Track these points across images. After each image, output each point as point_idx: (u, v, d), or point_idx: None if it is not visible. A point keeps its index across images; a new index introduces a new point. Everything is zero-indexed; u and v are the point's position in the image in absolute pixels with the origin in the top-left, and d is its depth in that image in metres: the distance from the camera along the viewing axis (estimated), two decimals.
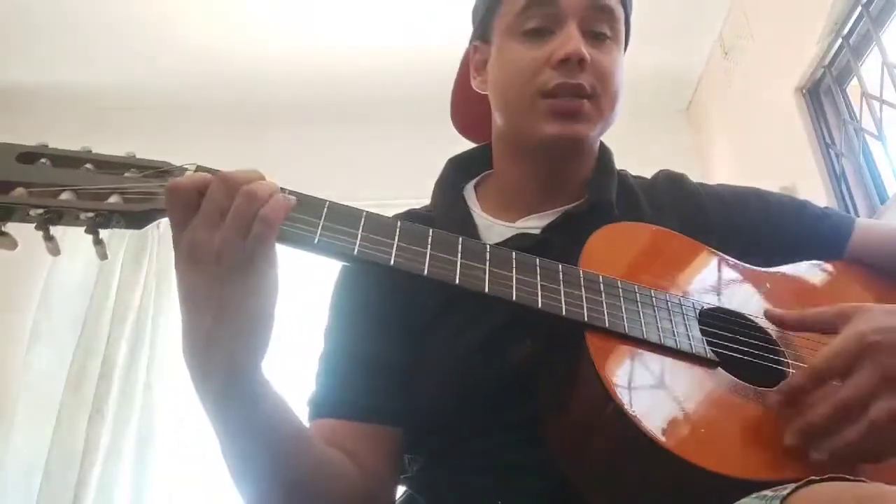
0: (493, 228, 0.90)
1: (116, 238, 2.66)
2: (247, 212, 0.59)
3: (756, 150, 2.67)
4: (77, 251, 2.60)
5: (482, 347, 0.78)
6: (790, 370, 0.74)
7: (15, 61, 2.82)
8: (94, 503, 2.35)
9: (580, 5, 0.85)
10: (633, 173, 1.00)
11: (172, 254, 2.37)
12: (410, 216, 0.94)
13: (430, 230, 0.69)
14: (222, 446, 0.66)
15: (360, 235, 0.65)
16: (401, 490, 0.86)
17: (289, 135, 3.01)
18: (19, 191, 0.60)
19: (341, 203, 0.67)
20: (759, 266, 0.87)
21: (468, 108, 1.01)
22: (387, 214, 0.94)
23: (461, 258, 0.68)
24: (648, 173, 1.02)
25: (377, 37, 2.80)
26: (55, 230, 0.61)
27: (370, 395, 0.81)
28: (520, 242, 0.86)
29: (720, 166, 2.94)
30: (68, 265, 2.65)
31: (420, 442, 0.83)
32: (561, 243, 0.84)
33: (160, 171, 0.64)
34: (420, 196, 0.99)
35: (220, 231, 0.59)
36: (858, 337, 0.66)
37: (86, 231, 0.61)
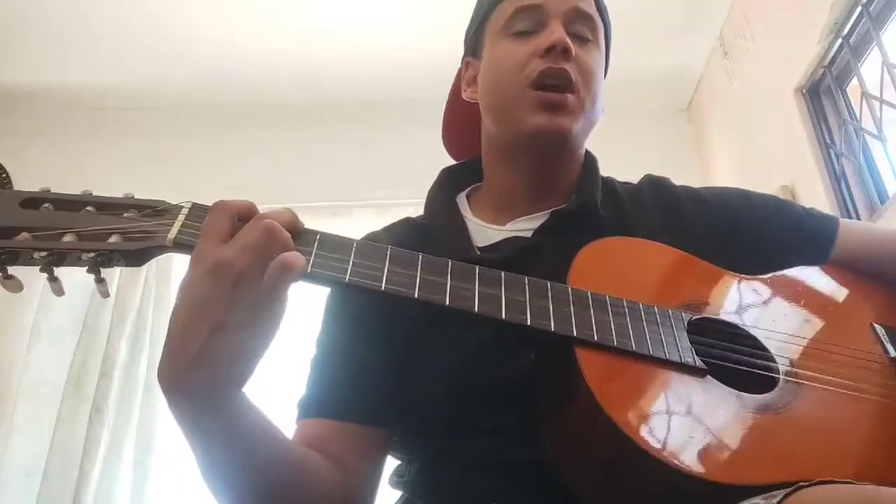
0: (485, 232, 0.92)
1: None
2: (271, 246, 0.60)
3: (756, 150, 2.67)
4: None
5: (479, 352, 0.79)
6: (781, 377, 0.75)
7: (15, 62, 2.82)
8: (94, 503, 2.35)
9: (564, 8, 0.91)
10: (632, 178, 1.02)
11: (172, 255, 2.35)
12: (407, 224, 0.97)
13: (420, 255, 0.70)
14: (198, 462, 0.66)
15: (351, 262, 0.66)
16: (397, 494, 0.86)
17: (288, 136, 3.01)
18: (24, 235, 0.62)
19: (332, 234, 0.68)
20: (744, 269, 0.87)
21: (460, 130, 1.05)
22: (389, 216, 0.97)
23: (451, 279, 0.69)
24: (647, 172, 1.03)
25: (378, 39, 2.81)
26: (58, 271, 0.64)
27: (354, 394, 0.81)
28: (511, 245, 0.88)
29: (720, 166, 2.94)
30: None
31: (417, 444, 0.83)
32: (552, 245, 0.86)
33: (157, 210, 0.66)
34: (417, 197, 1.00)
35: (244, 259, 0.59)
36: None
37: (88, 271, 0.64)
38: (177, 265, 2.72)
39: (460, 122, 1.04)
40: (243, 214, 0.62)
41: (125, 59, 2.85)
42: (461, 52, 1.05)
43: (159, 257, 2.63)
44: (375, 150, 3.00)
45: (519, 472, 0.76)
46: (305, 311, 0.91)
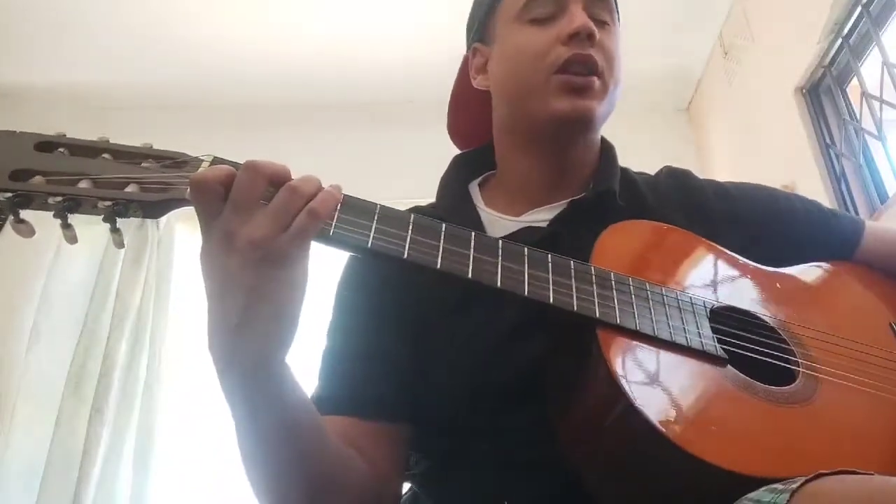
0: (499, 223, 0.90)
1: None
2: (291, 206, 0.59)
3: (756, 150, 2.67)
4: (77, 251, 2.60)
5: (494, 348, 0.78)
6: (801, 369, 0.74)
7: (17, 61, 2.82)
8: (94, 503, 2.35)
9: None
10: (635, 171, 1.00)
11: (172, 254, 2.36)
12: (416, 213, 0.95)
13: (443, 224, 0.69)
14: (242, 437, 0.66)
15: (374, 228, 0.65)
16: (405, 488, 0.85)
17: (290, 136, 3.00)
18: (38, 179, 0.60)
19: (355, 197, 0.67)
20: (766, 264, 0.86)
21: (467, 119, 1.03)
22: None
23: (474, 252, 0.68)
24: (649, 172, 1.02)
25: (383, 38, 2.81)
26: (72, 218, 0.62)
27: (375, 391, 0.80)
28: (527, 236, 0.86)
29: (720, 166, 2.94)
30: (68, 265, 2.65)
31: (428, 441, 0.82)
32: (569, 235, 0.85)
33: (177, 161, 0.64)
34: (422, 197, 0.99)
35: (257, 220, 0.59)
36: None
37: (104, 219, 0.61)
38: (177, 265, 2.72)
39: (468, 111, 1.01)
40: (276, 180, 0.61)
41: (128, 59, 2.84)
42: (461, 51, 1.02)
43: (158, 256, 2.60)
44: (375, 150, 3.00)
45: (528, 472, 0.75)
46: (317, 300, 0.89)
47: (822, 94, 2.33)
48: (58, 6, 2.58)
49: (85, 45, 2.76)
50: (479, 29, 0.97)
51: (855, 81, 2.19)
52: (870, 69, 2.11)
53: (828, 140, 2.27)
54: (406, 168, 2.84)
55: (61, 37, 2.71)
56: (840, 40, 2.14)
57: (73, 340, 2.57)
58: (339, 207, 0.65)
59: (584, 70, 0.85)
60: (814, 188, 2.24)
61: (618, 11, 0.96)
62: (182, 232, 2.76)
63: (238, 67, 2.90)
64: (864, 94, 2.13)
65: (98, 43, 2.75)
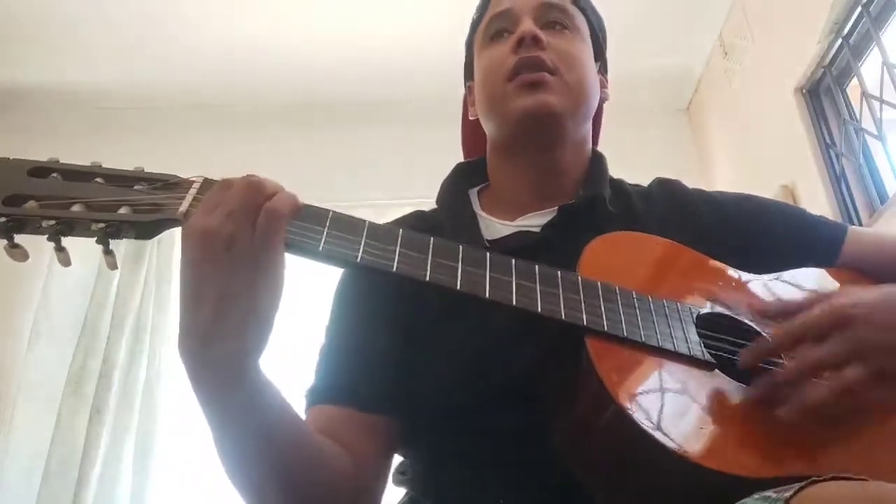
0: (495, 227, 0.93)
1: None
2: (254, 202, 0.60)
3: (756, 149, 2.67)
4: (77, 252, 2.60)
5: (487, 349, 0.79)
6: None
7: (16, 61, 2.81)
8: (94, 503, 2.35)
9: (531, 4, 0.94)
10: (632, 177, 1.02)
11: (172, 254, 2.37)
12: (418, 217, 0.98)
13: (431, 238, 0.70)
14: (216, 439, 0.67)
15: (363, 243, 0.66)
16: (402, 492, 0.86)
17: (289, 136, 3.01)
18: (31, 204, 0.61)
19: (344, 213, 0.68)
20: (752, 271, 0.88)
21: (478, 151, 1.06)
22: (389, 216, 0.97)
23: (462, 264, 0.68)
24: (648, 172, 1.03)
25: (381, 37, 2.81)
26: (66, 241, 0.63)
27: (366, 382, 0.81)
28: (520, 239, 0.88)
29: (720, 166, 2.94)
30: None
31: (423, 441, 0.83)
32: (560, 241, 0.87)
33: (168, 183, 0.66)
34: (421, 197, 1.00)
35: (230, 221, 0.60)
36: (836, 307, 0.70)
37: (97, 241, 0.63)
38: (177, 265, 2.71)
39: (477, 146, 1.05)
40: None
41: (127, 59, 2.84)
42: (461, 51, 1.07)
43: (158, 256, 2.61)
44: (375, 150, 3.00)
45: (524, 472, 0.76)
46: (315, 300, 0.90)
47: (822, 94, 2.33)
48: (58, 6, 2.58)
49: (85, 45, 2.75)
50: (468, 68, 1.05)
51: (855, 81, 2.19)
52: (870, 69, 2.11)
53: (828, 140, 2.27)
54: (404, 168, 2.84)
55: (61, 36, 2.71)
56: (840, 40, 2.14)
57: (73, 340, 2.57)
58: (328, 223, 0.66)
59: (534, 69, 0.89)
60: (814, 188, 2.24)
61: (591, 21, 0.99)
62: None
63: (237, 68, 2.90)
64: (864, 94, 2.13)
65: (98, 42, 2.74)
